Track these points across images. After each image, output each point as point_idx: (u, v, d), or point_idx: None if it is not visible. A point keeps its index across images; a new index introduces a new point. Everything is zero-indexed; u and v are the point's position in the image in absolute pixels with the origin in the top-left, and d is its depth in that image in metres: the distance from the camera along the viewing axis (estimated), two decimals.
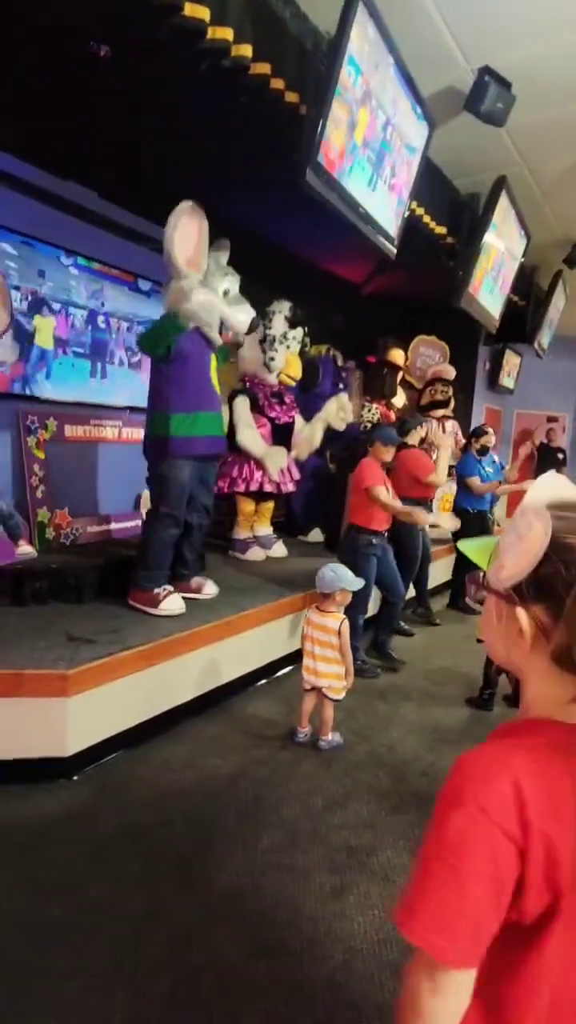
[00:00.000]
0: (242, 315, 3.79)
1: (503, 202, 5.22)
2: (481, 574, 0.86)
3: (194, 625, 3.46)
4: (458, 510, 6.14)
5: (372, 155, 3.68)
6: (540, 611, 0.77)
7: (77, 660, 2.85)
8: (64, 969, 1.85)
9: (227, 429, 5.08)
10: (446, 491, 6.17)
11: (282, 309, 5.07)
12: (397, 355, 7.03)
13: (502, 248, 5.77)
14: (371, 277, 6.73)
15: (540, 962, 0.73)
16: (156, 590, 3.60)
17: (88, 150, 4.05)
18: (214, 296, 3.63)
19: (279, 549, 5.47)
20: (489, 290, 5.97)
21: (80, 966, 1.86)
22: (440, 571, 6.32)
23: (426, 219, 4.85)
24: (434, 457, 5.32)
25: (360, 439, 5.64)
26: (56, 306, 4.57)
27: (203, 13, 2.58)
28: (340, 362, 6.58)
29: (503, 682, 3.90)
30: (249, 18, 2.83)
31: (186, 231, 3.43)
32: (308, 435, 5.44)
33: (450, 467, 6.70)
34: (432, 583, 5.87)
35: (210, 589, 3.98)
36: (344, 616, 3.21)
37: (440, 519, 6.11)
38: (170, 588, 3.64)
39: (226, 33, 2.71)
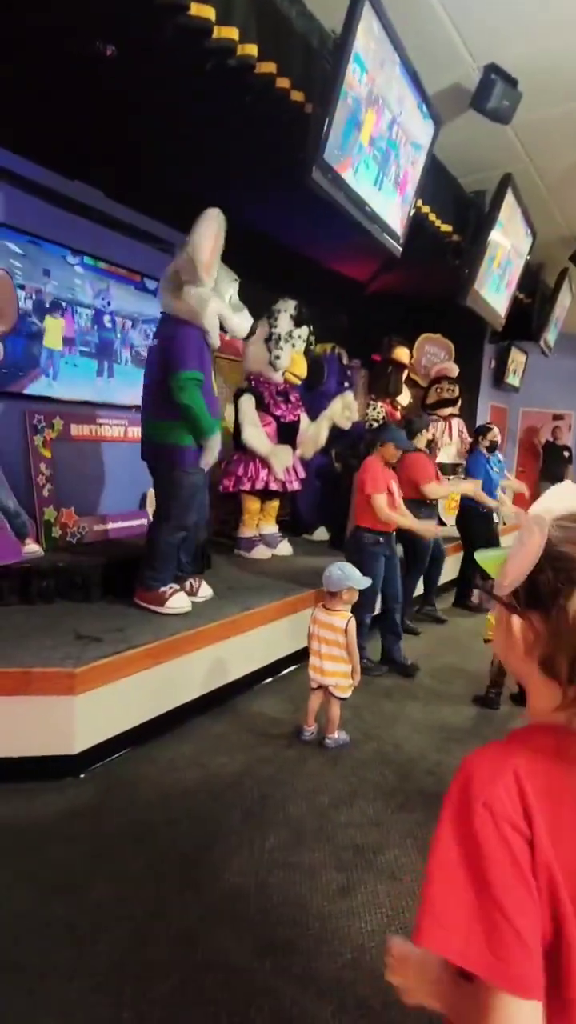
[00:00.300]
0: (244, 321, 3.85)
1: (509, 200, 5.21)
2: (490, 583, 0.88)
3: (200, 624, 3.47)
4: (465, 508, 6.14)
5: (378, 153, 3.67)
6: (536, 618, 0.78)
7: (84, 659, 2.86)
8: (68, 968, 1.86)
9: (232, 428, 5.10)
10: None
11: (287, 308, 5.07)
12: (402, 353, 7.02)
13: (508, 246, 5.76)
14: (376, 275, 6.73)
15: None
16: (162, 589, 3.61)
17: (94, 150, 4.06)
18: (223, 305, 3.68)
19: (284, 547, 5.47)
20: (495, 288, 5.95)
21: (84, 965, 1.87)
22: (447, 569, 6.33)
23: (432, 217, 4.84)
24: (437, 457, 5.33)
25: (366, 437, 5.63)
26: (62, 305, 4.58)
27: (209, 12, 2.58)
28: (345, 360, 6.58)
29: (510, 681, 3.89)
30: (255, 17, 2.83)
31: (212, 236, 3.48)
32: (313, 434, 5.44)
33: (455, 465, 6.71)
34: (441, 580, 5.88)
35: (205, 591, 3.99)
36: (351, 615, 3.21)
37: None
38: (176, 587, 3.66)
39: (232, 32, 2.71)
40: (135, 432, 5.19)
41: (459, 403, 6.84)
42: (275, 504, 5.47)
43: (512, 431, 10.85)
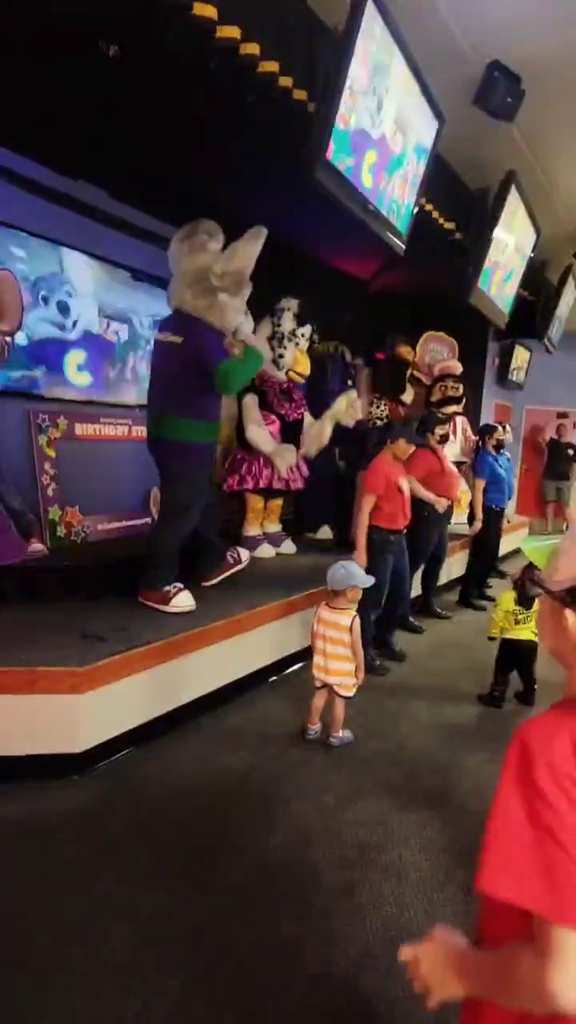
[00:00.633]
0: (250, 327, 4.00)
1: (513, 197, 5.19)
2: (537, 573, 0.94)
3: (204, 622, 3.47)
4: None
5: (381, 151, 3.67)
6: None
7: (89, 657, 2.87)
8: (76, 965, 1.87)
9: (236, 426, 5.11)
10: (463, 488, 6.18)
11: (290, 306, 5.07)
12: (406, 351, 7.02)
13: (512, 243, 5.75)
14: (380, 273, 6.71)
15: None
16: (167, 587, 3.61)
17: (97, 150, 4.06)
18: (245, 319, 3.84)
19: (288, 546, 5.48)
20: (498, 285, 5.94)
21: (91, 962, 1.88)
22: (453, 567, 6.37)
23: (435, 215, 4.83)
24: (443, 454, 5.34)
25: (372, 437, 5.64)
26: (66, 305, 4.59)
27: (211, 12, 2.57)
28: (348, 359, 6.57)
29: (514, 679, 3.90)
30: (257, 16, 2.82)
31: (256, 255, 3.60)
32: (317, 432, 5.44)
33: (459, 463, 6.71)
34: (445, 578, 5.89)
35: (245, 554, 4.18)
36: (356, 613, 3.21)
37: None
38: (180, 585, 3.66)
39: (234, 32, 2.71)
40: (139, 431, 5.21)
41: (463, 401, 6.83)
42: (279, 503, 5.47)
43: (516, 429, 10.83)
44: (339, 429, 5.64)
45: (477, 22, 3.55)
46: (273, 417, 5.13)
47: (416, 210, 4.34)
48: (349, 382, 6.34)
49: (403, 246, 4.34)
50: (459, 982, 0.90)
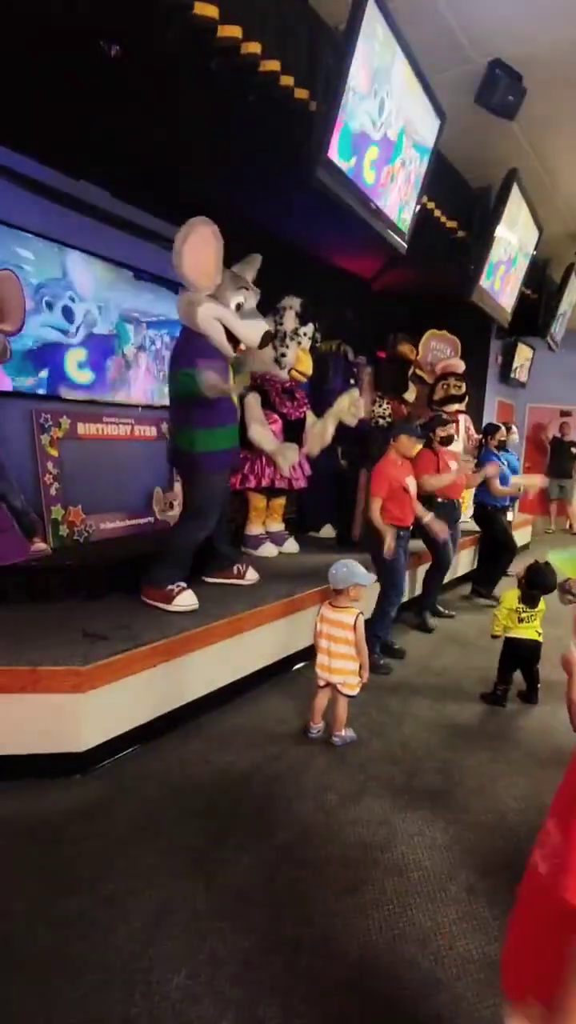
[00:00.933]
0: (252, 331, 3.82)
1: (515, 195, 5.19)
2: (571, 581, 1.00)
3: (207, 622, 3.47)
4: (479, 507, 6.19)
5: (383, 150, 3.67)
6: None
7: (91, 656, 2.87)
8: (80, 962, 1.88)
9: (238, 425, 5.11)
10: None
11: (293, 305, 5.06)
12: (408, 349, 7.01)
13: (514, 241, 5.74)
14: (382, 272, 6.71)
15: None
16: (170, 586, 3.62)
17: (99, 150, 4.06)
18: (224, 310, 3.68)
19: (291, 545, 5.48)
20: (501, 283, 5.94)
21: (96, 959, 1.89)
22: (458, 565, 6.41)
23: (437, 213, 4.83)
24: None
25: (375, 438, 5.64)
26: (69, 304, 4.59)
27: (212, 11, 2.58)
28: (351, 357, 6.57)
29: (517, 678, 3.89)
30: (258, 15, 2.82)
31: (196, 245, 3.48)
32: (319, 431, 5.43)
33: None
34: (450, 576, 5.91)
35: (252, 575, 4.19)
36: (359, 611, 3.21)
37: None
38: (184, 584, 3.66)
39: (235, 31, 2.72)
40: (141, 431, 5.23)
41: (466, 399, 6.82)
42: (281, 502, 5.47)
43: (519, 427, 10.83)
44: (342, 428, 5.64)
45: (478, 20, 3.54)
46: (275, 416, 5.13)
47: (418, 208, 4.34)
48: (351, 381, 6.34)
49: (405, 245, 4.34)
50: None
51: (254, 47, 2.84)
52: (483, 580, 6.34)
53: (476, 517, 6.29)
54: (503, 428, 6.35)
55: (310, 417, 5.41)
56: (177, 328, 5.45)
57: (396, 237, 4.22)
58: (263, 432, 5.00)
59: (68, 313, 4.60)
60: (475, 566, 6.63)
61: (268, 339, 3.99)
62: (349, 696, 3.22)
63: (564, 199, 5.95)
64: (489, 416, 8.98)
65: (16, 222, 4.15)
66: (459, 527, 5.54)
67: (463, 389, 6.61)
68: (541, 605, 3.74)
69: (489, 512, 6.12)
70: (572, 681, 1.25)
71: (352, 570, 3.17)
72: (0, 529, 3.79)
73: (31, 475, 4.37)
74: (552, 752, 3.25)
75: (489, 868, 2.38)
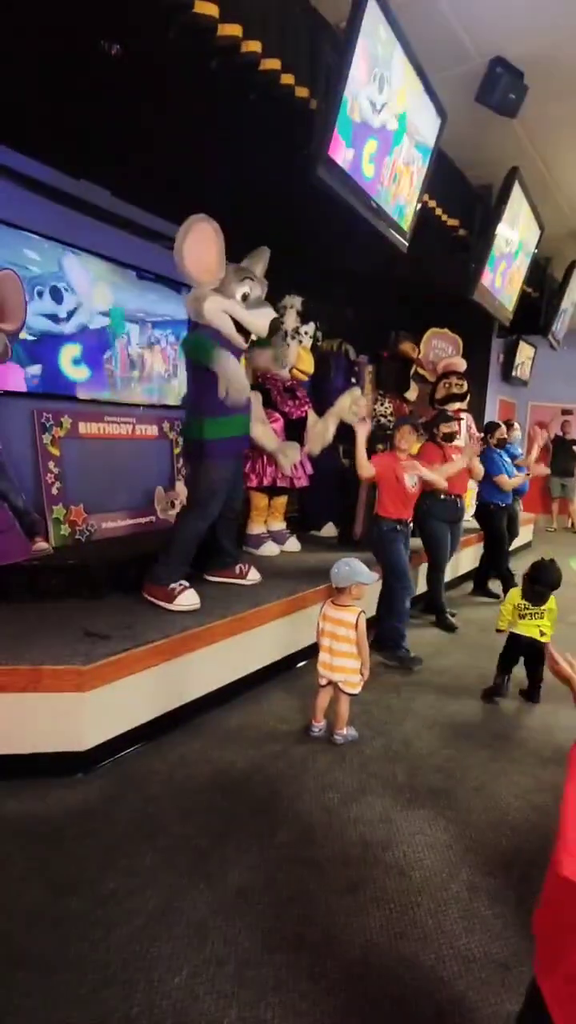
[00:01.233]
0: (260, 318, 3.83)
1: (516, 193, 5.18)
2: None
3: (209, 621, 3.48)
4: (482, 505, 6.18)
5: (384, 148, 3.66)
6: None
7: (93, 656, 2.88)
8: (81, 961, 1.88)
9: None
10: (471, 486, 6.23)
11: (294, 304, 5.07)
12: (409, 348, 7.00)
13: (516, 239, 5.73)
14: (383, 271, 6.70)
15: None
16: (172, 585, 3.62)
17: (99, 149, 4.06)
18: (229, 301, 3.70)
19: (292, 544, 5.48)
20: (502, 281, 5.93)
21: (97, 958, 1.89)
22: (461, 563, 6.40)
23: (438, 211, 4.83)
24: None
25: (375, 434, 5.64)
26: (70, 304, 4.59)
27: (212, 10, 2.58)
28: (352, 356, 6.56)
29: (520, 676, 3.89)
30: (258, 13, 2.82)
31: (196, 241, 3.52)
32: (321, 430, 5.43)
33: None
34: (454, 574, 5.91)
35: (254, 575, 4.20)
36: (361, 610, 3.21)
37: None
38: (186, 584, 3.67)
39: (235, 30, 2.72)
40: (143, 430, 5.24)
41: (467, 398, 6.82)
42: (283, 500, 5.47)
43: (520, 425, 10.82)
44: (343, 427, 5.63)
45: (479, 18, 3.54)
46: (277, 415, 5.13)
47: (419, 207, 4.34)
48: (353, 380, 6.33)
49: (406, 243, 4.34)
50: None
51: (254, 46, 2.84)
52: (482, 578, 6.35)
53: (478, 515, 6.28)
54: (503, 426, 6.35)
55: (311, 416, 5.41)
56: (177, 328, 5.48)
57: (397, 235, 4.21)
58: (265, 431, 5.00)
59: (68, 314, 4.60)
60: (478, 565, 6.61)
61: (275, 327, 4.02)
62: (350, 694, 3.22)
63: (566, 197, 5.94)
64: (491, 415, 8.97)
65: (15, 220, 4.15)
66: (461, 526, 5.52)
67: (465, 388, 6.60)
68: (550, 604, 3.72)
69: (491, 511, 6.11)
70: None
71: (354, 568, 3.17)
72: (1, 529, 3.79)
73: (32, 474, 4.38)
74: (554, 751, 3.25)
75: (491, 867, 2.38)
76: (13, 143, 4.03)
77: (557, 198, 5.90)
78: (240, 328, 3.77)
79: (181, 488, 5.30)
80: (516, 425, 6.93)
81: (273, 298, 4.90)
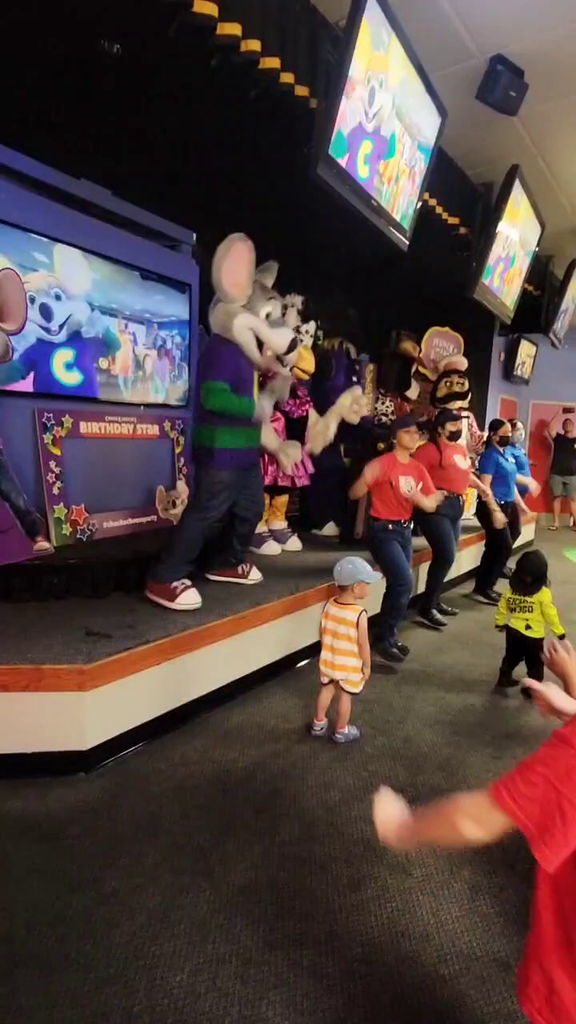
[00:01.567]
0: (281, 338, 3.89)
1: (517, 191, 5.18)
2: None
3: (210, 620, 3.48)
4: (482, 504, 6.17)
5: (384, 147, 3.66)
6: None
7: (95, 655, 2.88)
8: (83, 959, 1.88)
9: None
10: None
11: (295, 303, 5.07)
12: (410, 347, 7.00)
13: (516, 238, 5.73)
14: (384, 269, 6.70)
15: None
16: (174, 584, 3.62)
17: (100, 148, 4.07)
18: (256, 320, 3.76)
19: (294, 543, 5.48)
20: (503, 280, 5.92)
21: (99, 956, 1.89)
22: (462, 562, 6.40)
23: (439, 210, 4.83)
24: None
25: (376, 433, 5.64)
26: (70, 303, 4.59)
27: (212, 9, 2.58)
28: (353, 355, 6.56)
29: (521, 675, 3.89)
30: (258, 12, 2.82)
31: (236, 259, 3.57)
32: (322, 429, 5.43)
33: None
34: (454, 573, 5.91)
35: (255, 575, 4.23)
36: (363, 609, 3.21)
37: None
38: (188, 583, 3.67)
39: (235, 28, 2.72)
40: (144, 430, 5.24)
41: (469, 396, 6.82)
42: (284, 499, 5.48)
43: (523, 424, 10.82)
44: (344, 426, 5.64)
45: (479, 16, 3.54)
46: (278, 414, 5.13)
47: (419, 205, 4.33)
48: (354, 378, 6.33)
49: (407, 242, 4.34)
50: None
51: (254, 44, 2.84)
52: (483, 579, 6.35)
53: (479, 513, 6.28)
54: (507, 424, 6.34)
55: (312, 415, 5.42)
56: (178, 328, 5.48)
57: (398, 234, 4.21)
58: (266, 430, 5.00)
59: (63, 315, 4.60)
60: (479, 564, 6.61)
61: (294, 346, 4.04)
62: (352, 693, 3.22)
63: (567, 195, 5.93)
64: (492, 413, 8.97)
65: (15, 220, 4.14)
66: (460, 525, 5.52)
67: (466, 386, 6.60)
68: (540, 597, 3.73)
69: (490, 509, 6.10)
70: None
71: (357, 567, 3.17)
72: (2, 528, 3.79)
73: (33, 474, 4.38)
74: None
75: (492, 866, 2.38)
76: (12, 142, 4.03)
77: (558, 196, 5.90)
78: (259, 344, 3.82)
79: (182, 488, 5.30)
80: (519, 424, 6.94)
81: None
